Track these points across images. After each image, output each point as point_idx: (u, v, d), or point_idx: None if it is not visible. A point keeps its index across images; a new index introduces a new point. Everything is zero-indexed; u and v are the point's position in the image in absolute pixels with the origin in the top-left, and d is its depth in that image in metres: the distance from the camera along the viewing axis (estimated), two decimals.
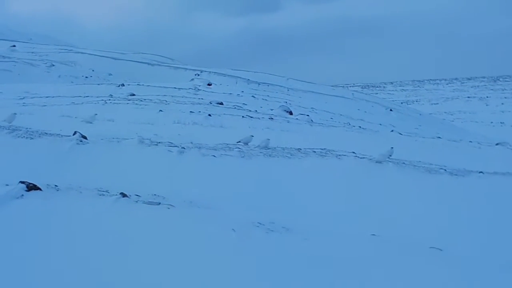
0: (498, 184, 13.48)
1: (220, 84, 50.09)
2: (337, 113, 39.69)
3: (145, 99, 30.79)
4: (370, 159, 14.70)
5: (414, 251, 8.12)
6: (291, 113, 33.45)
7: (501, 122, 71.81)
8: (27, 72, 54.99)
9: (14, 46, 72.54)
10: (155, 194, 9.70)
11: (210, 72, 63.60)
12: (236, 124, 24.21)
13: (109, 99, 30.26)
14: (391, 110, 53.95)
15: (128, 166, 12.34)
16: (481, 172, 14.42)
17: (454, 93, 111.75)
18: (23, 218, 7.73)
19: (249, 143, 16.51)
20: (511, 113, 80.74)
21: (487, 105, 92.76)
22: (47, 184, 9.15)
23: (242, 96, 40.22)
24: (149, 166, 12.56)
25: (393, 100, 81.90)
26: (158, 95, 33.88)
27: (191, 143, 15.57)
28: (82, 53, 71.83)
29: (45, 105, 26.18)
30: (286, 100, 42.33)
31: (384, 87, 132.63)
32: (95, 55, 71.01)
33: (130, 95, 33.33)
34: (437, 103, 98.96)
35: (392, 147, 15.10)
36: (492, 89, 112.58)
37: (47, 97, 30.56)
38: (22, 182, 8.79)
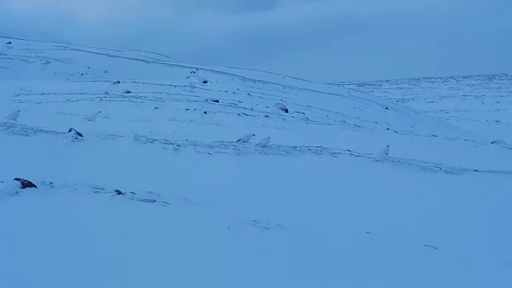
0: (493, 182, 13.52)
1: (216, 82, 50.15)
2: (332, 111, 39.74)
3: (140, 97, 30.82)
4: (369, 158, 14.72)
5: (409, 249, 8.12)
6: (286, 111, 33.51)
7: (496, 121, 71.94)
8: (23, 69, 55.07)
9: (10, 43, 72.68)
10: (150, 192, 9.70)
11: (206, 69, 63.73)
12: (232, 122, 24.25)
13: (105, 96, 30.30)
14: (386, 108, 54.08)
15: (123, 163, 12.35)
16: (476, 170, 14.46)
17: (449, 91, 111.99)
18: (18, 215, 7.72)
19: (249, 141, 16.49)
20: (506, 111, 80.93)
21: (482, 103, 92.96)
22: (42, 181, 9.14)
23: (237, 93, 40.27)
24: (144, 163, 12.56)
25: (388, 98, 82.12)
26: (154, 92, 33.92)
27: (187, 140, 15.57)
28: (77, 50, 71.96)
29: (40, 102, 26.21)
30: (282, 98, 42.37)
31: (380, 85, 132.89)
32: (90, 52, 71.12)
33: (126, 92, 33.36)
34: (433, 102, 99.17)
35: (388, 145, 15.13)
36: (487, 88, 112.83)
37: (42, 94, 30.59)
38: (17, 179, 8.78)
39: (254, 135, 16.92)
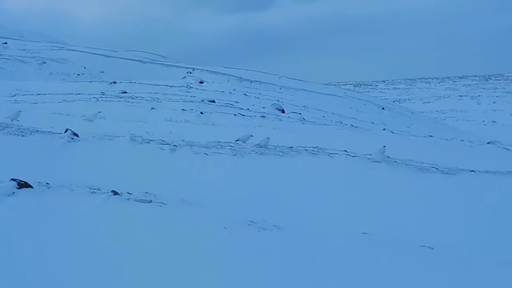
0: (489, 182, 13.54)
1: (212, 82, 50.13)
2: (329, 112, 39.76)
3: (137, 97, 30.81)
4: (368, 158, 14.75)
5: (405, 250, 8.14)
6: (283, 111, 33.50)
7: (492, 121, 72.09)
8: (19, 69, 55.02)
9: (6, 43, 72.64)
10: (146, 192, 9.70)
11: (202, 70, 63.72)
12: (228, 122, 24.26)
13: (101, 97, 30.29)
14: (383, 108, 54.13)
15: (119, 164, 12.35)
16: (473, 170, 14.49)
17: (446, 91, 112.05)
18: (15, 216, 7.72)
19: (247, 142, 16.49)
20: (502, 112, 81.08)
21: (478, 104, 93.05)
22: (39, 182, 9.14)
23: (234, 94, 40.27)
24: (140, 164, 12.56)
25: (385, 99, 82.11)
26: (150, 92, 33.93)
27: (183, 140, 15.57)
28: (74, 50, 71.92)
29: (36, 103, 26.18)
30: (278, 98, 42.35)
31: (376, 85, 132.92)
32: (87, 52, 71.08)
33: (122, 92, 33.33)
34: (429, 102, 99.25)
35: (384, 146, 15.16)
36: (483, 88, 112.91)
37: (38, 94, 30.56)
38: (14, 180, 8.78)
39: (252, 136, 16.92)
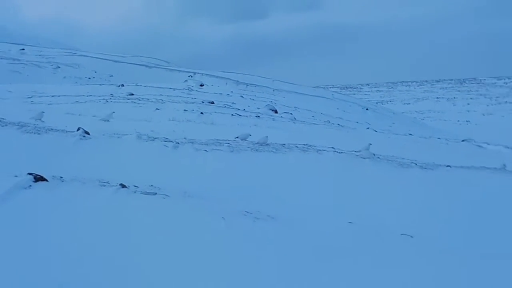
0: (464, 177, 13.57)
1: (212, 85, 50.11)
2: (318, 112, 39.75)
3: (143, 98, 30.78)
4: (356, 155, 14.76)
5: (387, 238, 8.16)
6: (276, 111, 33.52)
7: (467, 121, 72.13)
8: (35, 73, 54.89)
9: (23, 49, 72.61)
10: (151, 185, 9.69)
11: (202, 74, 63.68)
12: (226, 122, 24.27)
13: (110, 98, 30.26)
14: (367, 109, 54.19)
15: (127, 160, 12.33)
16: (449, 166, 14.50)
17: (424, 94, 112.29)
18: (31, 206, 7.72)
19: (246, 139, 16.49)
20: (476, 112, 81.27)
21: (454, 105, 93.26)
22: (53, 176, 9.13)
23: (231, 96, 40.24)
24: (146, 160, 12.55)
25: (369, 100, 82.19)
26: (155, 94, 33.89)
27: (185, 138, 15.56)
28: (85, 56, 71.82)
29: (51, 104, 26.12)
30: (271, 99, 42.36)
31: (361, 88, 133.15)
32: (97, 58, 70.98)
33: (129, 94, 33.30)
34: (409, 103, 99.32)
35: (370, 144, 15.20)
36: (459, 91, 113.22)
37: (53, 96, 30.51)
38: (30, 174, 8.77)
39: (250, 135, 16.92)
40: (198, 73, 64.86)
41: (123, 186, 9.07)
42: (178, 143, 14.22)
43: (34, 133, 13.46)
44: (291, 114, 33.70)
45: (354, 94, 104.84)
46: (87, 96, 31.24)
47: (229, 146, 14.60)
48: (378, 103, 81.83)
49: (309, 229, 8.14)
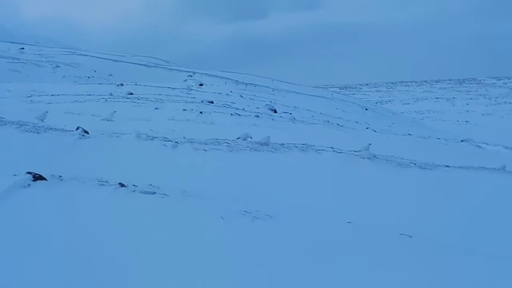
0: (463, 177, 13.58)
1: (211, 85, 50.19)
2: (317, 112, 39.80)
3: (142, 98, 30.82)
4: (357, 155, 14.78)
5: (385, 238, 8.17)
6: (275, 111, 33.56)
7: (466, 121, 72.20)
8: (35, 73, 54.95)
9: (23, 48, 72.75)
10: (150, 184, 9.70)
11: (201, 73, 63.75)
12: (225, 121, 24.29)
13: (110, 98, 30.29)
14: (366, 109, 54.26)
15: (126, 159, 12.33)
16: (448, 166, 14.51)
17: (423, 94, 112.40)
18: (30, 205, 7.72)
19: (247, 139, 16.50)
20: (475, 112, 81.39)
21: (453, 105, 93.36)
22: (52, 175, 9.13)
23: (230, 95, 40.28)
24: (145, 159, 12.55)
25: (368, 100, 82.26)
26: (154, 94, 33.94)
27: (184, 138, 15.56)
28: (85, 55, 71.92)
29: (50, 103, 26.15)
30: (271, 99, 42.40)
31: (360, 88, 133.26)
32: (96, 57, 71.10)
33: (129, 94, 33.33)
34: (408, 103, 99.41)
35: (370, 144, 15.22)
36: (458, 91, 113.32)
37: (52, 95, 30.53)
38: (29, 173, 8.78)
39: (251, 137, 16.94)
40: (198, 72, 64.91)
41: (122, 185, 9.07)
42: (177, 142, 14.22)
43: (33, 132, 13.47)
44: (291, 114, 33.75)
45: (354, 94, 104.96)
46: (86, 95, 31.25)
47: (228, 145, 14.60)
48: (378, 103, 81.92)
49: (308, 229, 8.15)
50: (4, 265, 5.99)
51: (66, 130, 14.19)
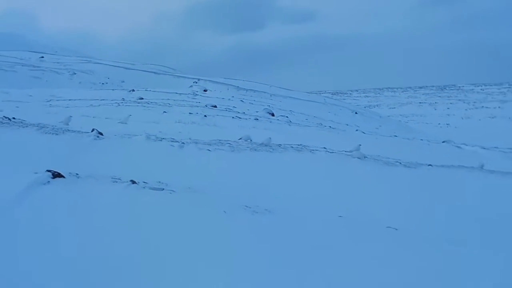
0: (444, 175, 13.59)
1: (214, 90, 50.16)
2: (311, 115, 39.80)
3: (151, 102, 30.79)
4: (348, 155, 14.79)
5: (373, 230, 8.18)
6: (273, 114, 33.54)
7: (447, 124, 72.17)
8: (53, 79, 54.94)
9: (43, 57, 72.70)
10: (159, 181, 9.70)
11: (206, 80, 63.73)
12: (227, 124, 24.28)
13: (122, 102, 30.25)
14: (356, 113, 54.21)
15: (137, 158, 12.33)
16: (430, 165, 14.52)
17: (408, 99, 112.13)
18: (50, 201, 7.73)
19: (247, 140, 16.49)
20: (455, 116, 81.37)
21: (435, 109, 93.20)
22: (70, 173, 9.13)
23: (232, 100, 40.27)
24: (154, 158, 12.55)
25: (357, 105, 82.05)
26: (163, 99, 33.90)
27: (190, 139, 15.56)
28: (99, 63, 71.88)
29: (68, 107, 26.13)
30: (269, 104, 42.37)
31: (350, 93, 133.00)
32: (110, 65, 71.03)
33: (139, 99, 33.30)
34: (394, 108, 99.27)
35: (360, 145, 15.24)
36: (439, 96, 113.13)
37: (69, 100, 30.51)
38: (49, 171, 8.78)
39: (251, 140, 16.93)
40: (202, 79, 64.89)
41: (133, 182, 9.07)
42: (183, 143, 14.22)
43: (52, 133, 13.47)
44: (287, 117, 33.72)
45: (344, 99, 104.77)
46: (100, 100, 31.22)
47: (230, 146, 14.60)
48: (366, 107, 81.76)
49: (302, 222, 8.17)
50: (27, 255, 6.00)
51: (82, 132, 14.20)
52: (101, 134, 14.00)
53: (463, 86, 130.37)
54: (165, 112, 26.88)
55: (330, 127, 32.21)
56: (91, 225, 7.01)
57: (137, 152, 12.86)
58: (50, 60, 70.08)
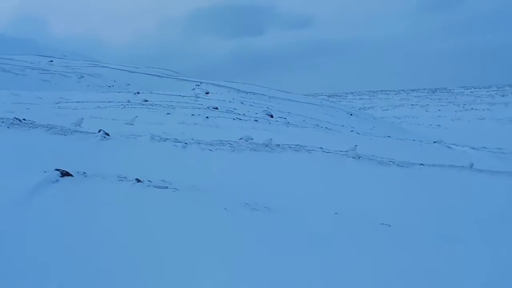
0: (435, 173, 13.60)
1: (216, 93, 50.18)
2: (308, 117, 39.82)
3: (156, 104, 30.81)
4: (344, 154, 14.80)
5: (368, 227, 8.18)
6: (272, 116, 33.57)
7: (437, 125, 72.21)
8: (62, 82, 55.00)
9: (52, 61, 72.82)
10: (163, 180, 9.69)
11: (208, 83, 63.77)
12: (228, 125, 24.30)
13: (127, 104, 30.27)
14: (351, 114, 54.25)
15: (142, 158, 12.33)
16: (422, 164, 14.53)
17: (401, 101, 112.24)
18: (58, 199, 7.73)
19: (248, 141, 16.48)
20: (446, 117, 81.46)
21: (427, 111, 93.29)
22: (77, 171, 9.13)
23: (233, 102, 40.30)
24: (158, 158, 12.55)
25: (352, 107, 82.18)
26: (166, 101, 33.93)
27: (192, 139, 15.56)
28: (106, 67, 71.91)
29: (76, 109, 26.14)
30: (268, 106, 42.40)
31: (345, 96, 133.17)
32: (116, 69, 71.09)
33: (144, 101, 33.32)
34: (388, 109, 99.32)
35: (356, 145, 15.26)
36: (431, 99, 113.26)
37: (77, 102, 30.54)
38: (57, 170, 8.78)
39: (252, 139, 16.92)
40: (204, 82, 64.92)
41: (138, 180, 9.07)
42: (186, 143, 14.22)
43: (61, 134, 13.46)
44: (285, 118, 33.76)
45: (340, 101, 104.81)
46: (107, 102, 31.24)
47: (230, 146, 14.60)
48: (361, 109, 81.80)
49: (300, 219, 8.17)
50: (36, 247, 6.01)
51: (89, 133, 14.19)
52: (108, 134, 14.00)
53: (453, 89, 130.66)
54: (168, 113, 26.90)
55: (326, 128, 32.23)
56: (98, 221, 7.02)
57: (142, 152, 12.85)
58: (59, 64, 70.15)
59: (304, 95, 72.92)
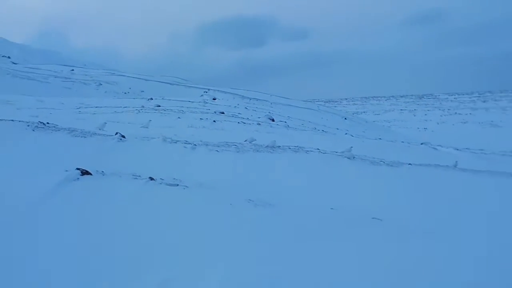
0: (422, 172, 13.59)
1: (222, 99, 50.20)
2: (306, 121, 39.83)
3: (167, 109, 30.83)
4: (340, 155, 14.81)
5: (360, 221, 8.19)
6: (273, 120, 33.57)
7: (424, 128, 72.31)
8: (82, 89, 55.12)
9: (73, 70, 72.88)
10: (174, 178, 9.71)
11: (215, 90, 63.82)
12: (233, 128, 24.32)
13: (141, 109, 30.29)
14: (345, 118, 54.23)
15: (154, 158, 12.34)
16: (410, 164, 14.52)
17: (391, 106, 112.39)
18: (79, 195, 7.76)
19: (251, 142, 16.45)
20: (432, 121, 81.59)
21: (414, 115, 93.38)
22: (96, 170, 9.16)
23: (238, 107, 40.30)
24: (170, 158, 12.56)
25: (347, 111, 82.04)
26: (177, 106, 33.95)
27: (201, 141, 15.57)
28: (122, 75, 72.01)
29: (95, 113, 26.16)
30: (269, 111, 42.40)
31: (340, 102, 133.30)
32: (131, 77, 71.22)
33: (157, 106, 33.32)
34: (379, 114, 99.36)
35: (351, 147, 15.27)
36: (418, 104, 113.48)
37: (96, 107, 30.57)
38: (78, 169, 8.81)
39: (255, 139, 16.92)
40: (211, 89, 65.00)
41: (151, 179, 9.09)
42: (195, 145, 14.24)
43: (81, 136, 13.49)
44: (285, 122, 33.77)
45: (335, 106, 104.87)
46: (123, 107, 31.27)
47: (235, 147, 14.61)
48: (354, 114, 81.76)
49: (299, 213, 8.18)
50: (59, 239, 6.04)
51: (107, 135, 14.21)
52: (124, 137, 14.01)
53: (438, 95, 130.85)
54: (179, 118, 26.92)
55: (323, 131, 32.23)
56: (115, 215, 7.07)
57: (155, 153, 12.87)
58: (79, 73, 70.25)
59: (303, 101, 72.91)
